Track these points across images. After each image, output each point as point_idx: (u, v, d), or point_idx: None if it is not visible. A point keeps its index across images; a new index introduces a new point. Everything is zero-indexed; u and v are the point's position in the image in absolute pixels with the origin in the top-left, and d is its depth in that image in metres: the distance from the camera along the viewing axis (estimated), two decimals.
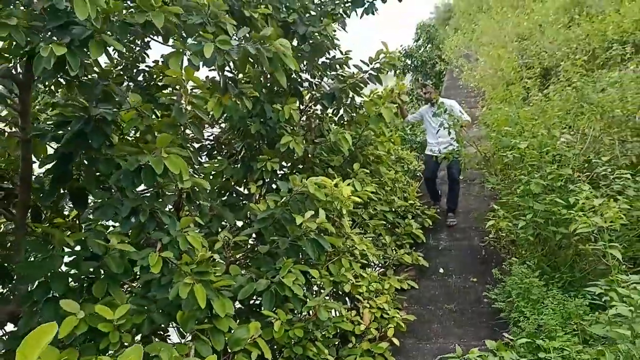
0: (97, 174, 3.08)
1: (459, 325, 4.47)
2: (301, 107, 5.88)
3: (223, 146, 6.06)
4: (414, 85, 18.56)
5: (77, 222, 3.59)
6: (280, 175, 5.51)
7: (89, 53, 2.32)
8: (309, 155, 5.66)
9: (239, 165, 5.38)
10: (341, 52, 5.70)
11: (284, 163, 5.67)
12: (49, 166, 3.14)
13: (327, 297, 4.01)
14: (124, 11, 2.53)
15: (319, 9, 5.42)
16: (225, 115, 4.37)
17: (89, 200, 3.32)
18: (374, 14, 5.57)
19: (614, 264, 3.24)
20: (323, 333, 3.87)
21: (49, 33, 2.30)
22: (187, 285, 2.65)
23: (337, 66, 5.90)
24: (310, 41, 5.05)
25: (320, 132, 5.76)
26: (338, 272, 4.33)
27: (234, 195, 5.40)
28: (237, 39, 3.06)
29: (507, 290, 4.21)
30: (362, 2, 5.57)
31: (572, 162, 4.48)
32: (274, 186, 5.31)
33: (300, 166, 5.87)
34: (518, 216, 4.47)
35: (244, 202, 5.27)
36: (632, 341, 2.30)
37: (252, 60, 3.26)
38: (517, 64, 10.06)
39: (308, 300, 3.65)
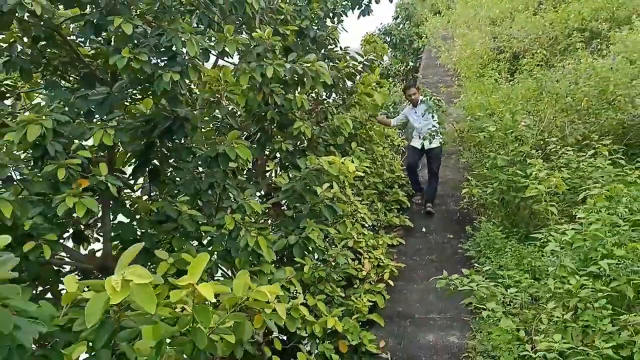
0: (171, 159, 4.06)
1: (439, 271, 5.60)
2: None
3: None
4: (392, 61, 19.49)
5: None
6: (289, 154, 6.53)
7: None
8: (314, 137, 6.67)
9: (255, 146, 6.37)
10: (340, 48, 6.68)
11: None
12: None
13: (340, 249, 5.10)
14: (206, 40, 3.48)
15: (323, 9, 6.36)
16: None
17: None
18: (369, 15, 6.54)
19: (553, 217, 4.41)
20: (334, 276, 4.98)
21: (163, 63, 3.25)
22: (253, 237, 3.70)
23: (337, 59, 6.88)
24: (317, 40, 6.01)
25: (324, 116, 6.76)
26: (345, 231, 5.43)
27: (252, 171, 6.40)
28: (288, 61, 4.04)
29: (477, 242, 5.40)
30: (359, 4, 6.52)
31: (530, 141, 5.62)
32: (286, 163, 6.32)
33: (303, 145, 6.89)
34: (487, 184, 5.62)
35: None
36: (561, 265, 3.45)
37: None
38: (489, 47, 11.16)
39: (328, 250, 4.75)
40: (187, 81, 3.39)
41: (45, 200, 3.01)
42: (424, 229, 6.67)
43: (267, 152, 6.29)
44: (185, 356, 2.50)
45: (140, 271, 2.17)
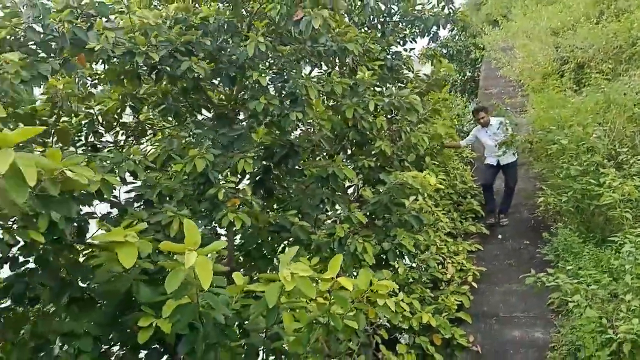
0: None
1: (518, 274, 6.07)
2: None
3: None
4: (445, 63, 19.83)
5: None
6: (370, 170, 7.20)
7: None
8: (392, 154, 7.32)
9: None
10: (412, 72, 7.33)
11: None
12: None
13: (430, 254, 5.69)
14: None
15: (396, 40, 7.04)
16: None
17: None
18: (437, 41, 7.16)
19: (627, 222, 4.81)
20: (424, 279, 5.57)
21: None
22: (360, 243, 4.37)
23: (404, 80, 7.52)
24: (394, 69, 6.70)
25: (399, 134, 7.40)
26: (429, 239, 6.01)
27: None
28: (387, 95, 4.76)
29: (554, 247, 5.82)
30: (428, 32, 7.14)
31: (602, 151, 6.01)
32: (368, 178, 6.99)
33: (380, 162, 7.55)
34: (561, 193, 6.04)
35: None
36: (637, 263, 3.89)
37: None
38: (552, 57, 11.42)
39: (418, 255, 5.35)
40: None
41: (207, 215, 3.82)
42: (500, 236, 7.12)
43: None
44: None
45: (302, 267, 2.90)
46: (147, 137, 5.33)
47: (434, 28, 7.25)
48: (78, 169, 2.26)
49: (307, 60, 4.66)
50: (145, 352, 3.59)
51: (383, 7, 6.80)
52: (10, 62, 2.66)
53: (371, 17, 6.83)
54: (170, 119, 4.74)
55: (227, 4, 4.41)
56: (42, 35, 3.25)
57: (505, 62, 13.22)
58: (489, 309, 5.58)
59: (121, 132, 4.97)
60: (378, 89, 5.20)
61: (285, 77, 4.04)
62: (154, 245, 2.96)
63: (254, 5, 4.42)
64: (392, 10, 7.06)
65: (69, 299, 3.40)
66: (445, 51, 21.51)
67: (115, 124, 4.71)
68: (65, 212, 2.41)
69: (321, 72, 5.70)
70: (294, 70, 4.21)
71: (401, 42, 7.51)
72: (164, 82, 4.40)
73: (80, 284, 3.42)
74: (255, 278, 3.69)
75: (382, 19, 6.98)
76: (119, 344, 3.60)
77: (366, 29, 7.09)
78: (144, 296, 3.26)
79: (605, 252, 5.13)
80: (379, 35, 6.82)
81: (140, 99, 4.72)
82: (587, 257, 5.25)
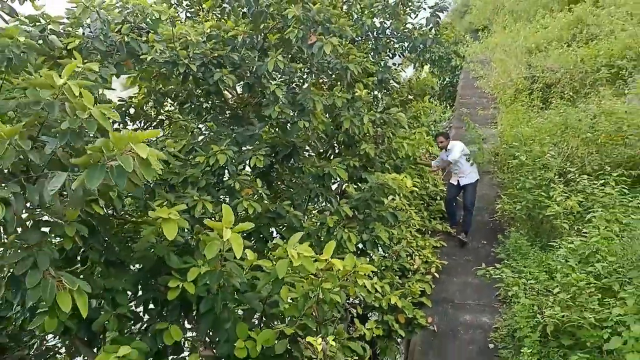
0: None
1: (475, 268, 7.07)
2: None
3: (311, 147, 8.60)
4: (429, 77, 20.81)
5: None
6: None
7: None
8: (373, 155, 8.18)
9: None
10: (397, 83, 8.19)
11: None
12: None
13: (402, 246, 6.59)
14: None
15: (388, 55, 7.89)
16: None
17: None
18: (423, 56, 8.05)
19: (565, 231, 5.81)
20: (395, 267, 6.48)
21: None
22: (346, 233, 5.23)
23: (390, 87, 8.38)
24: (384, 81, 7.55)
25: (382, 139, 8.27)
26: (401, 233, 6.92)
27: None
28: (378, 111, 5.59)
29: (506, 247, 6.80)
30: (415, 50, 8.00)
31: (554, 169, 7.00)
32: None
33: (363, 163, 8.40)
34: (517, 202, 7.02)
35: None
36: (566, 264, 4.86)
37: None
38: (524, 75, 12.47)
39: (391, 247, 6.25)
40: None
41: (223, 201, 4.60)
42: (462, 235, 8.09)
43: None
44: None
45: (306, 248, 3.72)
46: (163, 128, 6.05)
47: (421, 46, 8.14)
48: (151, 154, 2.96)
49: (313, 73, 5.44)
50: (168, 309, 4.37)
51: (378, 24, 7.62)
52: (91, 70, 3.35)
53: (367, 32, 7.64)
54: (190, 115, 5.47)
55: (249, 21, 5.15)
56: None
57: (482, 74, 14.23)
58: (447, 296, 6.53)
59: (144, 121, 5.68)
60: (369, 99, 6.01)
61: (296, 91, 4.83)
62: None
63: (270, 22, 5.18)
64: (385, 27, 7.89)
65: (105, 262, 4.14)
66: (428, 56, 22.54)
67: (141, 114, 5.42)
68: (137, 193, 3.16)
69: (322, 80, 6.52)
70: (304, 84, 5.00)
71: (391, 55, 8.37)
72: (189, 84, 5.14)
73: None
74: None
75: (375, 35, 7.79)
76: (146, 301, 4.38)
77: (359, 39, 7.92)
78: (174, 263, 4.03)
79: (547, 254, 6.14)
80: (370, 47, 7.67)
81: (164, 95, 5.45)
82: (532, 257, 6.26)
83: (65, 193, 2.85)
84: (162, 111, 5.93)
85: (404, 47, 8.18)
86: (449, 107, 19.08)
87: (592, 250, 5.00)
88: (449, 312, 6.24)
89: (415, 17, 8.22)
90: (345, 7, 7.34)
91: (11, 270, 3.02)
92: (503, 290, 5.54)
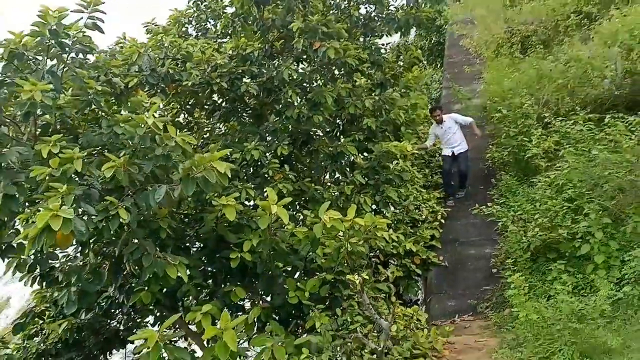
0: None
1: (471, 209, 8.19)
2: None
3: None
4: (416, 39, 21.57)
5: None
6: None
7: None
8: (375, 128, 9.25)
9: None
10: (387, 60, 9.20)
11: None
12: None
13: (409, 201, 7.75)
14: None
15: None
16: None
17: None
18: (408, 34, 9.03)
19: (544, 167, 6.91)
20: (406, 219, 7.64)
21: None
22: (362, 198, 6.36)
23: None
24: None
25: (380, 111, 9.30)
26: (408, 190, 8.05)
27: None
28: (377, 94, 6.68)
29: (499, 189, 7.93)
30: (400, 29, 8.97)
31: (533, 116, 8.04)
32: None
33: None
34: (504, 149, 8.10)
35: None
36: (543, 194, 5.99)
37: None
38: (503, 30, 13.35)
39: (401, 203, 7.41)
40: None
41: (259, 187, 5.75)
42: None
43: None
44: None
45: (335, 213, 4.83)
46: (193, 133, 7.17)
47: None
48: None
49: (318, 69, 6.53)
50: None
51: (364, 12, 8.60)
52: (154, 102, 4.45)
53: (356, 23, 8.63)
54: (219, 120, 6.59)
55: (259, 35, 6.22)
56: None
57: (466, 33, 15.08)
58: (453, 236, 7.71)
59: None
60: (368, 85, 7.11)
61: (307, 90, 5.93)
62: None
63: (276, 33, 6.26)
64: (371, 14, 8.85)
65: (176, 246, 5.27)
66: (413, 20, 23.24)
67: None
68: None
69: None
70: (314, 84, 6.09)
71: (378, 37, 9.35)
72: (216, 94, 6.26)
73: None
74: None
75: (363, 22, 8.75)
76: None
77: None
78: (232, 238, 5.18)
79: (531, 189, 7.25)
80: (360, 33, 8.66)
81: (193, 105, 6.57)
82: (521, 193, 7.38)
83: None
84: (191, 119, 7.06)
85: (389, 28, 9.16)
86: (438, 66, 19.95)
87: (564, 180, 6.11)
88: (456, 250, 7.42)
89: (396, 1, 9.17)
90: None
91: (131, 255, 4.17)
92: (501, 226, 6.69)
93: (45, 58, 4.53)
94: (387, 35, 9.23)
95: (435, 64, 20.72)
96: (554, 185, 6.27)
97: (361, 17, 8.40)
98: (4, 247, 4.08)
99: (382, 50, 8.78)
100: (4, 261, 4.22)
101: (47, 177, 3.65)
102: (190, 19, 8.53)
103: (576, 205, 5.78)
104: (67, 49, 4.40)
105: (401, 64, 10.03)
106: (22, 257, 4.25)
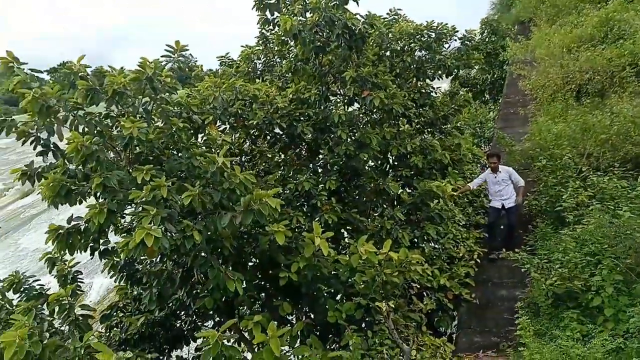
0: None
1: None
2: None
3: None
4: (477, 74, 21.89)
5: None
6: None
7: None
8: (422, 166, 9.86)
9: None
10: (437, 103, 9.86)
11: None
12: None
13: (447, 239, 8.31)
14: None
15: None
16: None
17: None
18: (458, 80, 9.69)
19: (572, 220, 7.29)
20: (443, 256, 8.19)
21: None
22: (401, 233, 7.03)
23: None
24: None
25: (428, 151, 9.91)
26: (447, 228, 8.61)
27: None
28: (420, 140, 7.40)
29: (535, 235, 8.32)
30: (451, 73, 9.62)
31: (572, 168, 8.42)
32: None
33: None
34: (541, 197, 8.50)
35: None
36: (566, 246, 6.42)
37: None
38: (560, 75, 13.62)
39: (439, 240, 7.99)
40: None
41: (309, 216, 6.54)
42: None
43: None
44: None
45: (370, 246, 5.50)
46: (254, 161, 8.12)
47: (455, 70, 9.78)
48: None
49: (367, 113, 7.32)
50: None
51: (417, 58, 9.33)
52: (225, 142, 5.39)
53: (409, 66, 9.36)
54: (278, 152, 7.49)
55: (317, 80, 7.11)
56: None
57: (524, 74, 15.41)
58: (487, 276, 8.17)
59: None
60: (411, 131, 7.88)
61: (355, 130, 6.72)
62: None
63: (331, 78, 7.13)
64: (423, 59, 9.56)
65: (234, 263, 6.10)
66: (476, 54, 23.59)
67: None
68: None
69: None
70: (362, 125, 6.88)
71: (430, 79, 10.04)
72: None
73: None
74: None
75: (415, 67, 9.46)
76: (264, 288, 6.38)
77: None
78: (281, 260, 5.96)
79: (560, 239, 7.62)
80: (412, 75, 9.40)
81: (257, 137, 7.50)
82: (553, 242, 7.76)
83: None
84: (254, 147, 8.00)
85: (440, 73, 9.84)
86: (494, 105, 20.20)
87: (588, 235, 6.52)
88: (488, 289, 7.88)
89: (448, 47, 9.83)
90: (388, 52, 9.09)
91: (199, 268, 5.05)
92: (525, 271, 7.16)
93: (141, 98, 5.56)
94: (438, 79, 9.91)
95: (496, 98, 20.98)
96: (580, 239, 6.67)
97: (413, 62, 9.13)
98: (101, 249, 5.11)
99: (433, 94, 9.46)
100: (101, 260, 5.23)
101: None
102: (260, 55, 9.62)
103: (597, 259, 6.17)
104: (157, 90, 5.40)
105: (452, 105, 10.66)
106: (115, 259, 5.24)
